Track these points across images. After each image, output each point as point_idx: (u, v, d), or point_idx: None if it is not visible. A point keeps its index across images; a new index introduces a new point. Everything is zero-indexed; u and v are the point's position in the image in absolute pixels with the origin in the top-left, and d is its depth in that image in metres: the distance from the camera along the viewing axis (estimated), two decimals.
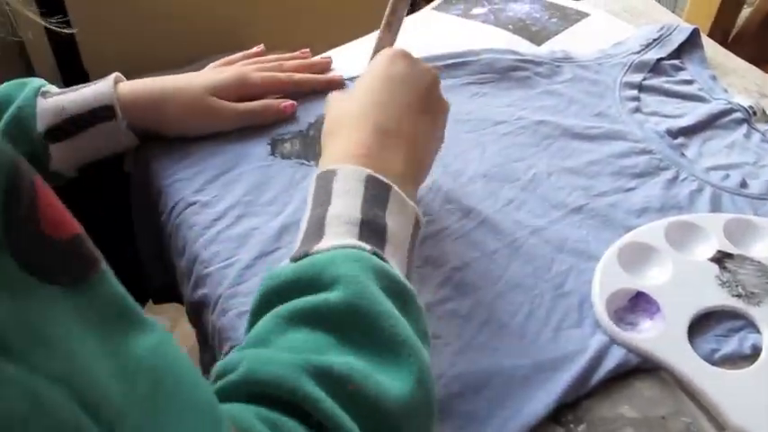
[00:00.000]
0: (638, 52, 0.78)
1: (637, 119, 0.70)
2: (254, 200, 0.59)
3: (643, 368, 0.50)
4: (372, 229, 0.43)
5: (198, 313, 0.56)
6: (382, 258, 0.41)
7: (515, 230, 0.58)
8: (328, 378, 0.35)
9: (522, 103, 0.71)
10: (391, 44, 0.57)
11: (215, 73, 0.67)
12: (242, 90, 0.66)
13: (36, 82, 0.60)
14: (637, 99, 0.73)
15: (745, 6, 1.16)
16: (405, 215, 0.45)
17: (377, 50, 0.57)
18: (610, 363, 0.49)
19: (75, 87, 0.60)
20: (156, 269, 0.67)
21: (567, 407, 0.48)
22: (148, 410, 0.24)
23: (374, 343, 0.37)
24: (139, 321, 0.26)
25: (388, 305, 0.38)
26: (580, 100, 0.72)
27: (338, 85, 0.71)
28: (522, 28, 0.80)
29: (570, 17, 0.83)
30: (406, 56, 0.53)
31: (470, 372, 0.48)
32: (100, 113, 0.59)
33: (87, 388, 0.22)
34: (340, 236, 0.42)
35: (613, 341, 0.51)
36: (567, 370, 0.49)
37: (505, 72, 0.74)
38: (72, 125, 0.58)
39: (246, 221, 0.57)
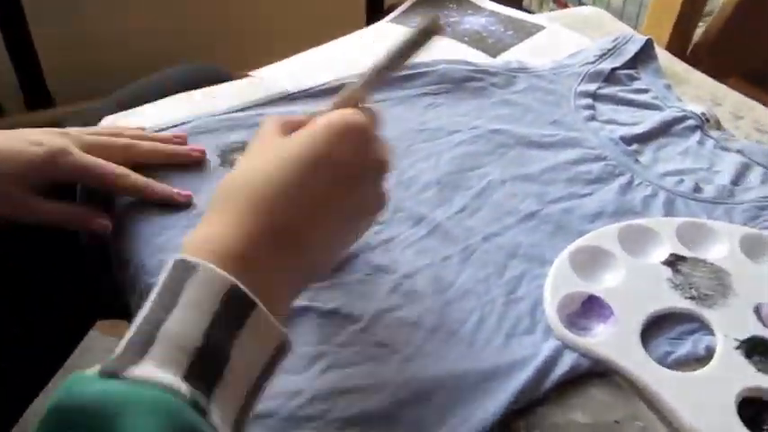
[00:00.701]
0: (593, 62, 0.78)
1: (592, 126, 0.70)
2: (202, 211, 0.58)
3: (597, 372, 0.49)
4: (208, 362, 0.34)
5: None
6: (201, 410, 0.32)
7: (468, 237, 0.57)
8: None
9: (477, 113, 0.71)
10: (365, 97, 0.47)
11: (31, 142, 0.55)
12: (52, 174, 0.55)
13: None
14: (592, 107, 0.73)
15: (700, 24, 1.18)
16: (263, 341, 0.36)
17: (343, 102, 0.46)
18: (562, 367, 0.48)
19: None
20: (104, 283, 0.65)
21: (520, 414, 0.46)
22: None
23: None
24: None
25: None
26: (536, 109, 0.72)
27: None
28: (479, 40, 0.80)
29: (526, 30, 0.83)
30: (360, 135, 0.42)
31: (419, 379, 0.47)
32: None
33: None
34: (164, 364, 0.33)
35: (566, 346, 0.50)
36: (519, 376, 0.47)
37: (460, 82, 0.74)
38: None
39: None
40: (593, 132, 0.70)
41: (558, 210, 0.61)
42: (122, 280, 0.57)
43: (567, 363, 0.49)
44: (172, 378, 0.33)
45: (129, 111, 0.68)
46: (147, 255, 0.55)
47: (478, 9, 0.87)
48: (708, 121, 0.72)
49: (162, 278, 0.36)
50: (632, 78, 0.78)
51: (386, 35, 0.83)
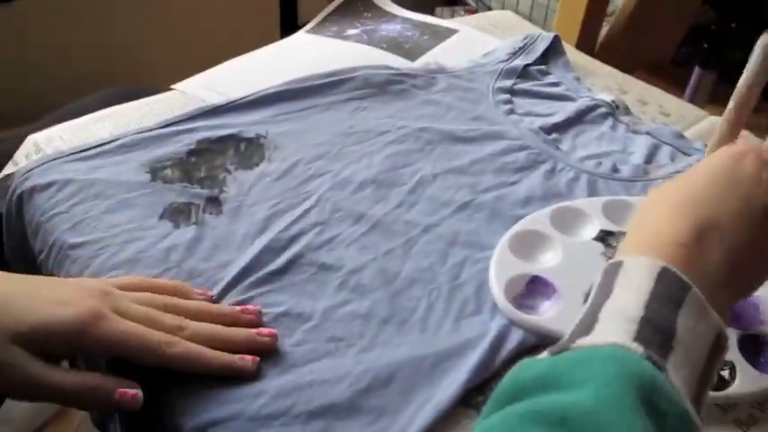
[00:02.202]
0: (506, 60, 0.82)
1: (512, 119, 0.73)
2: (139, 225, 0.57)
3: (543, 345, 0.50)
4: (655, 331, 0.34)
5: None
6: (659, 367, 0.32)
7: (408, 230, 0.59)
8: None
9: (402, 114, 0.72)
10: (742, 122, 0.53)
11: (56, 301, 0.43)
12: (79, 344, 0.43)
13: None
14: (510, 102, 0.76)
15: (604, 24, 1.25)
16: (703, 325, 0.36)
17: (718, 146, 0.52)
18: (510, 344, 0.50)
19: None
20: None
21: (477, 390, 0.48)
22: None
23: None
24: None
25: (638, 424, 0.30)
26: (457, 106, 0.75)
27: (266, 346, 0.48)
28: (396, 46, 0.83)
29: (441, 34, 0.86)
30: (758, 156, 0.45)
31: (376, 368, 0.48)
32: None
33: None
34: (611, 332, 0.34)
35: (512, 323, 0.51)
36: (472, 354, 0.49)
37: (383, 86, 0.76)
38: None
39: (132, 246, 0.55)
40: (514, 125, 0.73)
41: (490, 198, 0.63)
42: None
43: (515, 339, 0.51)
44: (624, 340, 0.33)
45: (52, 129, 0.66)
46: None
47: (393, 17, 0.89)
48: (617, 107, 0.77)
49: (597, 280, 0.39)
50: (544, 73, 0.82)
51: (302, 45, 0.84)
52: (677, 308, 0.35)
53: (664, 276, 0.36)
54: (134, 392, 0.43)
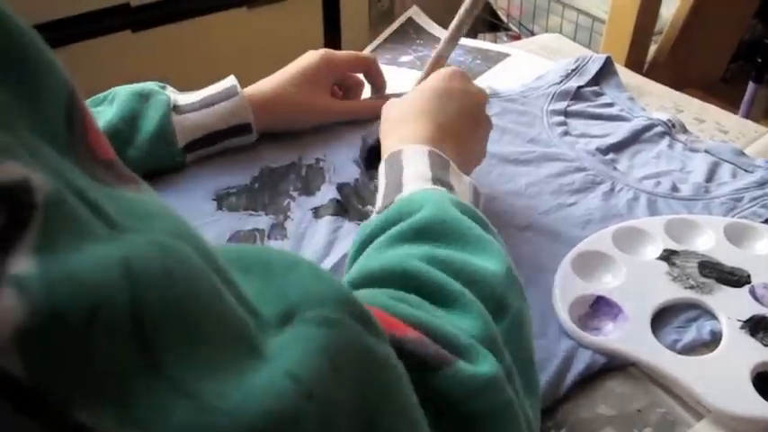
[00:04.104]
0: (559, 83, 0.82)
1: (567, 141, 0.73)
2: None
3: (611, 367, 0.50)
4: (443, 183, 0.48)
5: None
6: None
7: None
8: (434, 260, 0.39)
9: None
10: (448, 55, 0.67)
11: (301, 62, 0.71)
12: (328, 69, 0.72)
13: (156, 95, 0.64)
14: (564, 124, 0.76)
15: (652, 43, 1.25)
16: (464, 183, 0.51)
17: (436, 58, 0.66)
18: (578, 365, 0.50)
19: (203, 98, 0.66)
20: None
21: (546, 414, 0.47)
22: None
23: (465, 242, 0.42)
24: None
25: (466, 219, 0.44)
26: (512, 130, 0.75)
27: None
28: None
29: (492, 58, 0.87)
30: (461, 75, 0.59)
31: None
32: (238, 130, 0.67)
33: (201, 244, 0.23)
34: (418, 186, 0.48)
35: (579, 345, 0.51)
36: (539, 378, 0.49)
37: None
38: (210, 139, 0.66)
39: None
40: (570, 146, 0.73)
41: (548, 220, 0.63)
42: None
43: (582, 361, 0.50)
44: (430, 185, 0.48)
45: None
46: None
47: None
48: (674, 126, 0.76)
49: (382, 168, 0.52)
50: (597, 94, 0.82)
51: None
52: (447, 173, 0.50)
53: (432, 155, 0.51)
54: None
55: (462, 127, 0.56)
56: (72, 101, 0.23)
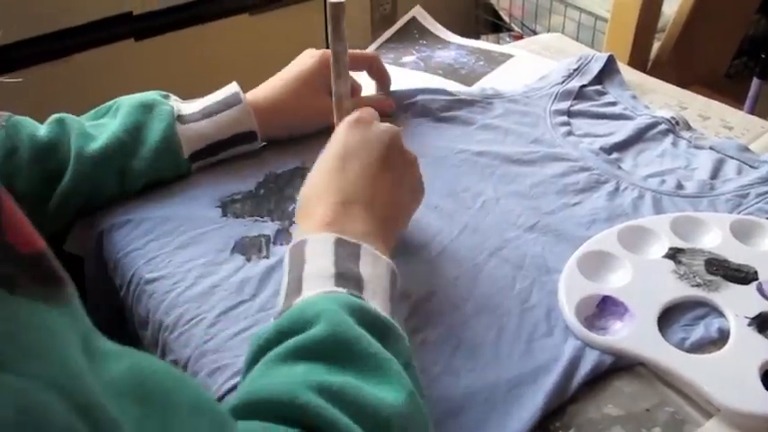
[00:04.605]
0: (562, 83, 0.82)
1: (571, 141, 0.73)
2: (211, 259, 0.58)
3: (619, 367, 0.50)
4: (348, 279, 0.44)
5: None
6: (359, 297, 0.43)
7: (474, 255, 0.59)
8: (327, 391, 0.36)
9: (460, 139, 0.73)
10: (346, 91, 0.58)
11: (298, 65, 0.71)
12: (327, 70, 0.66)
13: (160, 105, 0.64)
14: (567, 124, 0.76)
15: (655, 41, 1.24)
16: (379, 267, 0.46)
17: (336, 102, 0.59)
18: (586, 366, 0.50)
19: (206, 107, 0.66)
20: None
21: (553, 415, 0.47)
22: (147, 428, 0.23)
23: (363, 364, 0.39)
24: (106, 350, 0.25)
25: (364, 333, 0.40)
26: (515, 130, 0.75)
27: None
28: (452, 72, 0.84)
29: (495, 59, 0.87)
30: (359, 122, 0.54)
31: (448, 397, 0.48)
32: (243, 138, 0.67)
33: (83, 393, 0.21)
34: (317, 287, 0.43)
35: (586, 345, 0.51)
36: (546, 379, 0.49)
37: (440, 112, 0.77)
38: (215, 148, 0.66)
39: (206, 280, 0.56)
40: (573, 146, 0.73)
41: (554, 220, 0.63)
42: (143, 339, 0.57)
43: (589, 361, 0.50)
44: (329, 286, 0.43)
45: None
46: (162, 312, 0.55)
47: (447, 43, 0.91)
48: (678, 123, 0.76)
49: (286, 260, 0.47)
50: (600, 93, 0.82)
51: (362, 73, 0.85)
52: (357, 261, 0.46)
53: (338, 244, 0.46)
54: (389, 102, 0.73)
55: (372, 186, 0.51)
56: None
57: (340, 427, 0.34)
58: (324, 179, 0.52)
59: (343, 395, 0.36)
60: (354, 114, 0.56)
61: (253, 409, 0.35)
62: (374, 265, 0.46)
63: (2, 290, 0.21)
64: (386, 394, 0.37)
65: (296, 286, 0.44)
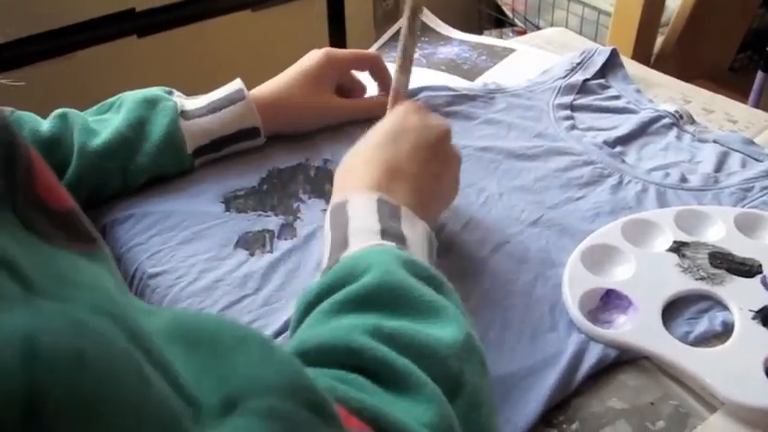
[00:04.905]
0: (564, 77, 0.82)
1: (574, 135, 0.73)
2: (215, 254, 0.58)
3: (623, 360, 0.50)
4: (392, 235, 0.45)
5: None
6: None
7: (478, 250, 0.59)
8: (382, 333, 0.36)
9: (463, 134, 0.73)
10: (406, 84, 0.61)
11: (304, 62, 0.71)
12: (332, 68, 0.71)
13: (164, 101, 0.64)
14: (571, 118, 0.76)
15: (659, 34, 1.24)
16: (417, 230, 0.48)
17: (395, 91, 0.61)
18: (590, 359, 0.50)
19: (210, 103, 0.66)
20: None
21: (558, 408, 0.47)
22: (195, 362, 0.23)
23: (416, 310, 0.39)
24: (144, 307, 0.25)
25: (417, 282, 0.41)
26: (518, 125, 0.75)
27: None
28: (455, 67, 0.84)
29: (498, 54, 0.87)
30: (418, 110, 0.56)
31: None
32: (246, 134, 0.67)
33: (133, 322, 0.20)
34: (365, 242, 0.44)
35: (590, 339, 0.51)
36: (550, 372, 0.48)
37: (443, 108, 0.76)
38: (218, 144, 0.67)
39: (209, 275, 0.56)
40: (577, 140, 0.72)
41: (557, 214, 0.63)
42: None
43: (594, 354, 0.50)
44: (378, 241, 0.44)
45: None
46: (166, 306, 0.55)
47: (449, 39, 0.90)
48: (681, 117, 0.76)
49: (327, 220, 0.49)
50: (604, 87, 0.82)
51: (364, 72, 0.85)
52: (399, 221, 0.47)
53: (381, 203, 0.47)
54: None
55: (419, 166, 0.52)
56: (11, 141, 0.21)
57: (397, 367, 0.34)
58: (373, 149, 0.53)
59: (399, 337, 0.36)
60: (415, 102, 0.59)
61: (305, 358, 0.34)
62: (413, 228, 0.47)
63: (40, 240, 0.21)
64: (443, 334, 0.37)
65: (342, 242, 0.45)
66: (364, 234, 0.45)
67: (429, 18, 0.97)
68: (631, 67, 0.86)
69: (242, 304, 0.54)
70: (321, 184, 0.66)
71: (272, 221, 0.62)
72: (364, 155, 0.53)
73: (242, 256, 0.58)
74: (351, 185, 0.50)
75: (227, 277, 0.56)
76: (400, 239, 0.45)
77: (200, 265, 0.58)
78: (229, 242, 0.60)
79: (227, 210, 0.63)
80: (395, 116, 0.56)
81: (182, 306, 0.54)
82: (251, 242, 0.60)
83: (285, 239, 0.60)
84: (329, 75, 0.71)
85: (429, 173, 0.53)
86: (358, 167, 0.52)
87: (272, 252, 0.59)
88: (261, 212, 0.63)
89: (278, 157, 0.70)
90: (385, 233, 0.45)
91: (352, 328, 0.36)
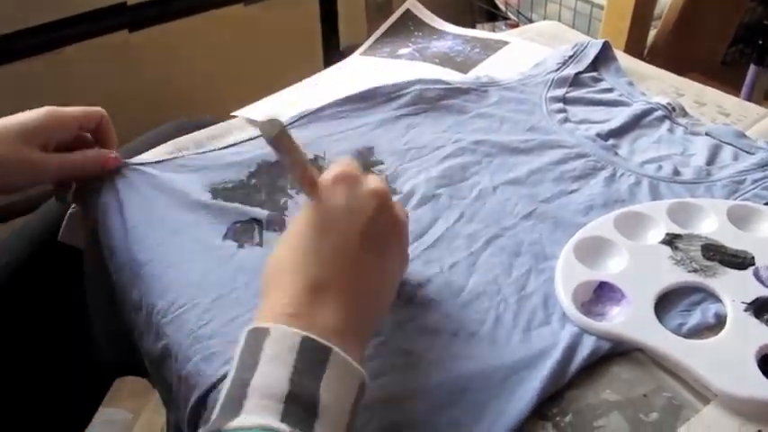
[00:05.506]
0: (557, 70, 0.82)
1: (567, 128, 0.73)
2: (203, 246, 0.58)
3: (616, 352, 0.50)
4: (300, 404, 0.37)
5: (160, 366, 0.53)
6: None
7: (470, 243, 0.59)
8: None
9: (456, 128, 0.73)
10: (305, 159, 0.46)
11: (21, 116, 0.63)
12: (53, 125, 0.63)
13: None
14: (563, 111, 0.76)
15: (651, 28, 1.24)
16: (346, 382, 0.39)
17: (300, 169, 0.45)
18: (583, 351, 0.49)
19: None
20: (112, 346, 0.65)
21: (551, 401, 0.47)
22: None
23: None
24: None
25: None
26: (511, 118, 0.75)
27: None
28: (448, 60, 0.83)
29: (491, 46, 0.87)
30: (345, 180, 0.46)
31: (446, 383, 0.47)
32: None
33: None
34: (258, 412, 0.36)
35: (584, 331, 0.51)
36: (543, 365, 0.48)
37: (435, 101, 0.76)
38: None
39: (198, 265, 0.56)
40: (570, 133, 0.72)
41: (551, 207, 0.63)
42: (136, 325, 0.57)
43: (587, 347, 0.50)
44: (270, 420, 0.35)
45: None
46: (156, 296, 0.55)
47: (443, 33, 0.90)
48: (674, 110, 0.76)
49: (238, 349, 0.39)
50: (596, 80, 0.82)
51: (358, 67, 0.85)
52: (321, 375, 0.38)
53: (305, 344, 0.38)
54: (115, 156, 0.65)
55: (350, 266, 0.44)
56: None
57: None
58: (293, 255, 0.44)
59: None
60: (338, 168, 0.47)
61: None
62: (340, 380, 0.38)
63: None
64: None
65: (237, 400, 0.36)
66: (265, 399, 0.36)
67: (422, 12, 0.96)
68: (624, 59, 0.86)
69: (232, 296, 0.54)
70: None
71: (262, 213, 0.62)
72: (283, 264, 0.44)
73: (231, 248, 0.58)
74: (270, 309, 0.41)
75: (216, 268, 0.56)
76: (310, 408, 0.37)
77: (190, 255, 0.57)
78: (218, 233, 0.59)
79: (215, 199, 0.63)
80: (315, 203, 0.45)
81: (173, 295, 0.54)
82: (240, 233, 0.59)
83: (274, 230, 0.60)
84: (47, 131, 0.63)
85: (365, 273, 0.45)
86: (285, 271, 0.43)
87: (261, 246, 0.58)
88: (248, 207, 0.62)
89: (269, 150, 0.69)
90: (291, 401, 0.36)
91: None
